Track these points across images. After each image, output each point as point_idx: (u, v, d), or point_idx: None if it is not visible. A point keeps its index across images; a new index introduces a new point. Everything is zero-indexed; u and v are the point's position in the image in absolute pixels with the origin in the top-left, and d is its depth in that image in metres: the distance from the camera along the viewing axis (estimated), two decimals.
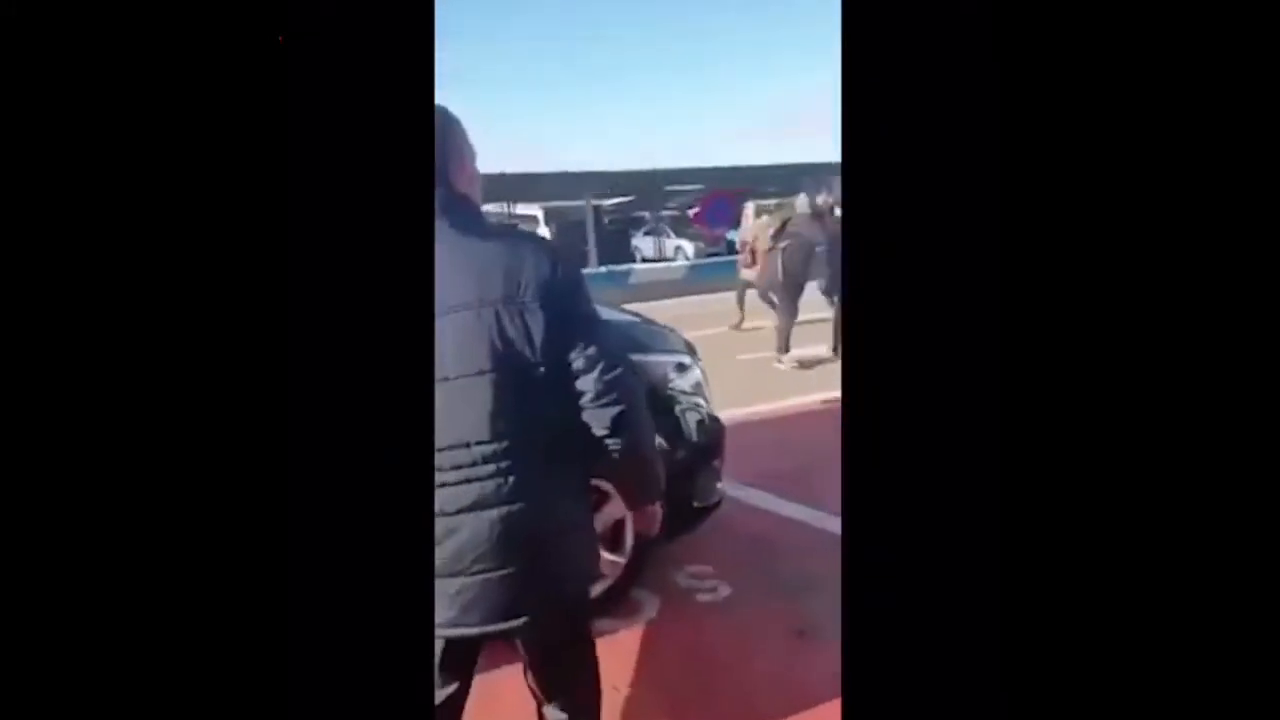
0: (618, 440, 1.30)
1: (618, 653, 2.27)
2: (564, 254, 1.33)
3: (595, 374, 1.27)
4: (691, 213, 19.26)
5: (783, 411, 5.11)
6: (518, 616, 1.29)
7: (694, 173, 17.49)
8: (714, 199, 16.84)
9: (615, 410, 1.28)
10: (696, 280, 12.82)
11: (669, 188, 19.01)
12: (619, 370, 1.30)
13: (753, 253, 7.58)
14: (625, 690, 2.15)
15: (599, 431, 1.29)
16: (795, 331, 6.68)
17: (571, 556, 1.37)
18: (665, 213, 20.21)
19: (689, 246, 18.18)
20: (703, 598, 2.64)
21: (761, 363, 6.54)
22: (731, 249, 12.87)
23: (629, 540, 2.48)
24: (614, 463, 1.34)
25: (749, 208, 8.27)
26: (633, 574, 2.53)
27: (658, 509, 1.50)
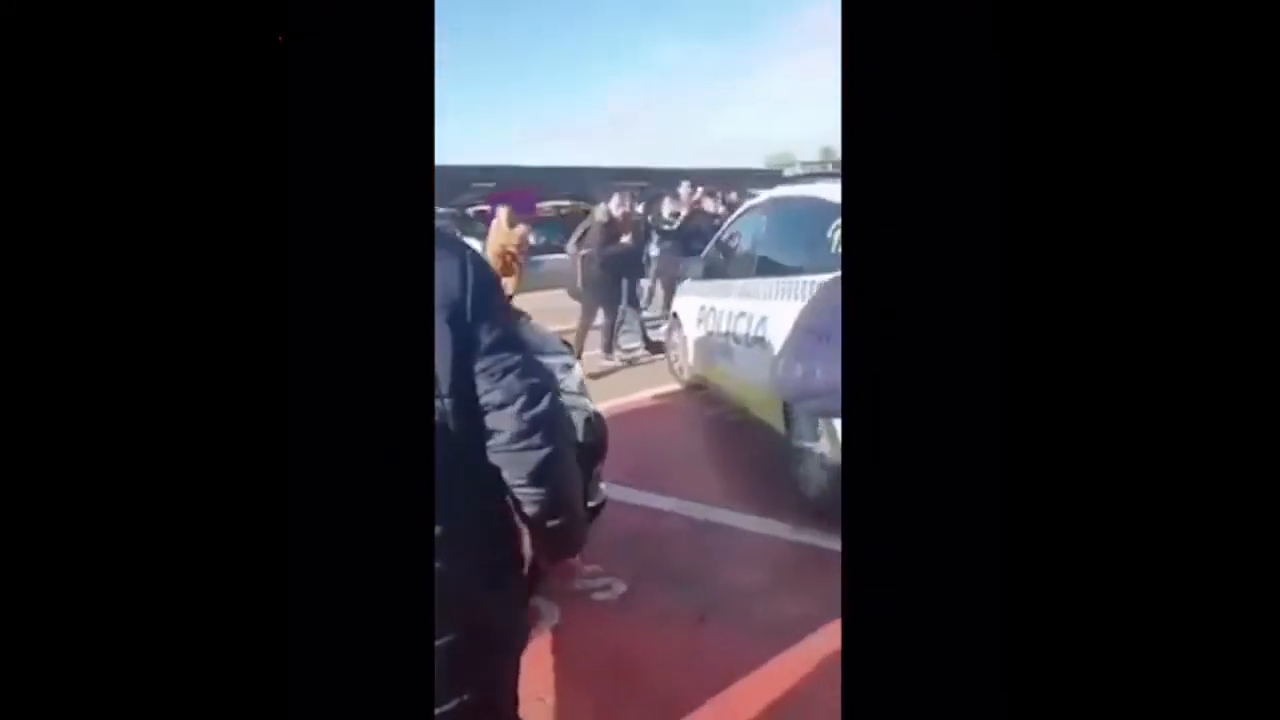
0: (539, 491, 1.09)
1: (532, 663, 2.22)
2: (477, 259, 1.13)
3: (515, 409, 1.05)
4: (472, 211, 18.85)
5: (619, 409, 5.23)
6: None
7: (482, 170, 17.22)
8: (512, 197, 16.65)
9: (539, 455, 1.06)
10: None
11: (474, 184, 18.55)
12: (544, 405, 1.07)
13: (505, 262, 7.30)
14: (549, 699, 2.14)
15: (515, 480, 1.08)
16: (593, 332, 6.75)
17: (495, 626, 1.14)
18: (446, 210, 19.64)
19: (478, 245, 17.86)
20: (600, 596, 2.67)
21: (588, 361, 6.62)
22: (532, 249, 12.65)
23: (528, 551, 2.44)
24: (530, 517, 1.12)
25: (501, 213, 7.58)
26: (534, 582, 2.49)
27: (577, 560, 1.31)
